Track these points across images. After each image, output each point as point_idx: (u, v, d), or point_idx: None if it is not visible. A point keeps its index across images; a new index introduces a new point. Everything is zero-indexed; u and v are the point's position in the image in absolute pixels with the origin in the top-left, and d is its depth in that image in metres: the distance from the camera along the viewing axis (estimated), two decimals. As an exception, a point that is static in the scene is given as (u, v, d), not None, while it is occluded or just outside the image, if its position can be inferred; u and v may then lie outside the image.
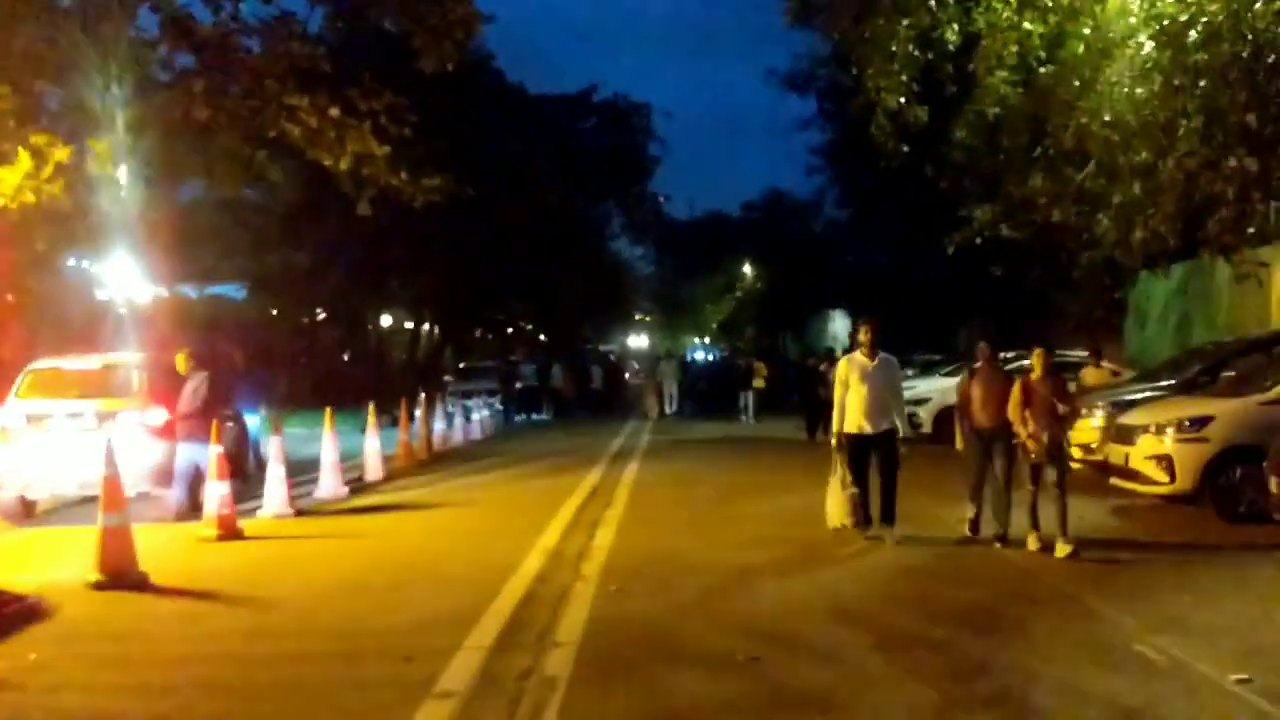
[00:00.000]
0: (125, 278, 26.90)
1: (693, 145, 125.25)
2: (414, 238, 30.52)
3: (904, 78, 16.69)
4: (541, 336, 64.89)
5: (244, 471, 15.56)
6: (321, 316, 33.51)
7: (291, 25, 14.51)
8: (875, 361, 10.15)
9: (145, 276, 27.83)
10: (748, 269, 65.23)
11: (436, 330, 43.22)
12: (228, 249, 31.55)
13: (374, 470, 16.13)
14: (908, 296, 38.45)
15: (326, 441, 14.39)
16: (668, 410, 32.19)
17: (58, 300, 22.34)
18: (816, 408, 19.12)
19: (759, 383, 29.31)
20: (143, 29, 14.83)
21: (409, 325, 42.25)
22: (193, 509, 11.68)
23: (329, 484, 14.26)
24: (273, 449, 12.54)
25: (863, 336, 10.33)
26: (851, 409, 10.05)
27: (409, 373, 37.15)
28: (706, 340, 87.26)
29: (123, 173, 19.68)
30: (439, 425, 21.78)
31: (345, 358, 35.78)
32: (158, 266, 28.97)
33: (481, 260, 34.54)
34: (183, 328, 28.50)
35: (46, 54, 13.79)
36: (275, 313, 34.84)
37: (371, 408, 17.09)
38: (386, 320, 43.47)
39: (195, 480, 12.00)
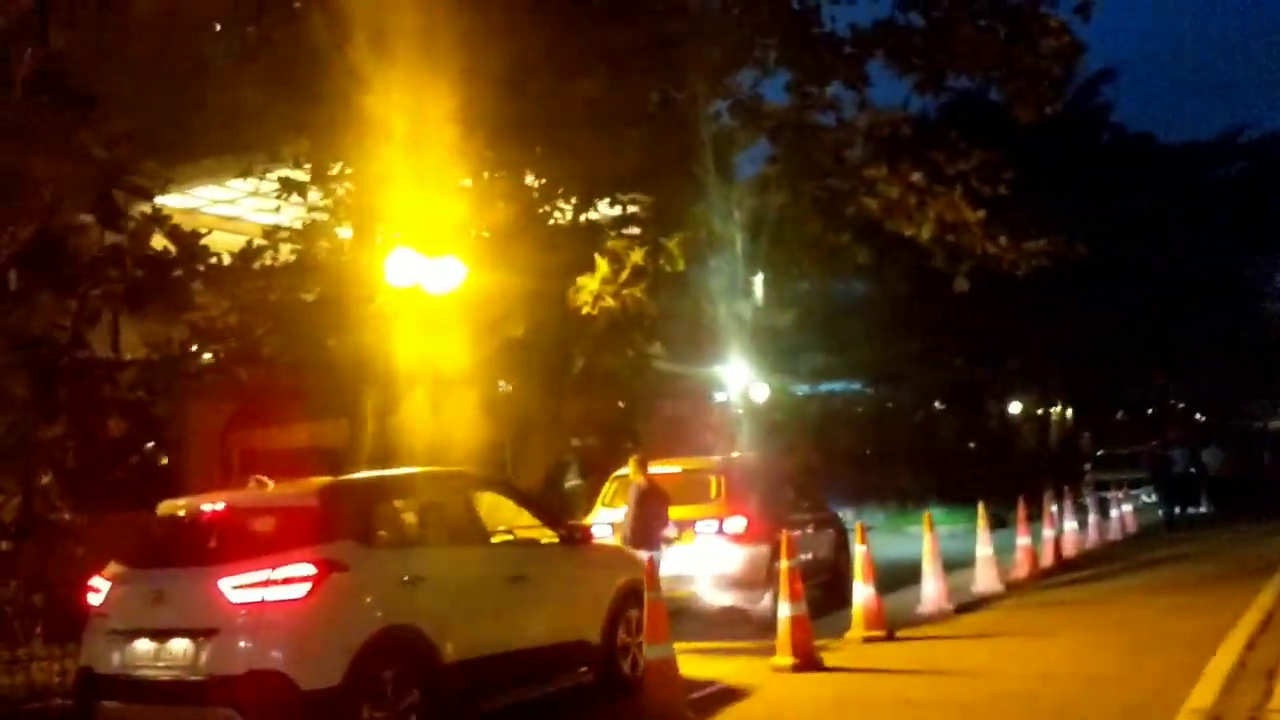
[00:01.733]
0: (740, 378, 27.60)
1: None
2: (1032, 313, 27.95)
3: None
4: (1197, 415, 57.34)
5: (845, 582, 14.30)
6: (940, 407, 31.93)
7: (863, 94, 13.31)
8: None
9: (759, 376, 28.36)
10: None
11: (1069, 413, 39.57)
12: (838, 343, 31.27)
13: (986, 581, 13.98)
14: None
15: (926, 547, 12.61)
16: None
17: (672, 403, 23.12)
18: None
19: None
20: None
21: (1040, 411, 39.16)
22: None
23: (931, 597, 12.44)
24: (857, 561, 11.02)
25: None
26: None
27: (1040, 463, 34.06)
28: None
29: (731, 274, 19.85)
30: (1069, 525, 18.91)
31: (971, 448, 33.66)
32: (771, 365, 29.49)
33: (1113, 332, 30.80)
34: (795, 427, 28.49)
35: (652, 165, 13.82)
36: (890, 405, 33.86)
37: (981, 508, 15.01)
38: (1015, 407, 40.72)
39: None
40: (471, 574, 7.87)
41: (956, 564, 14.51)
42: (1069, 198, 25.58)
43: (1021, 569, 15.60)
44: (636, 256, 12.41)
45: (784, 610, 9.42)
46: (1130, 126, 33.64)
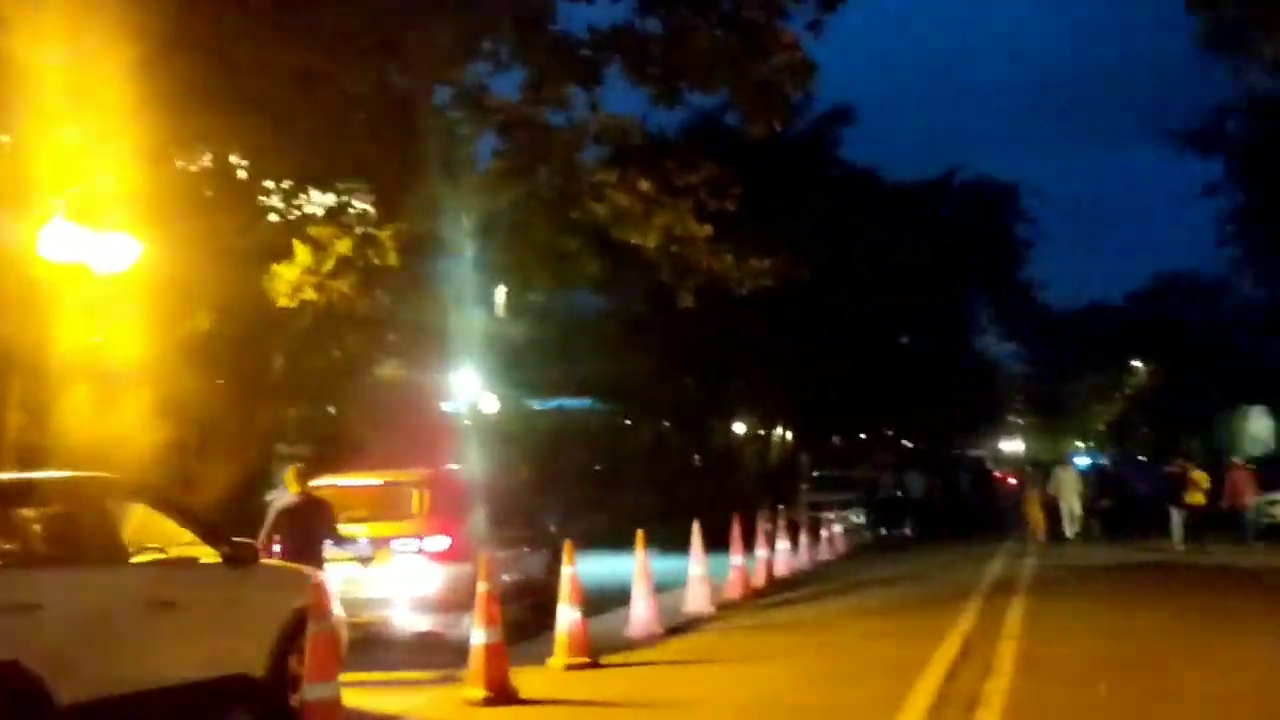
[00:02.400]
0: (468, 389, 26.67)
1: (1069, 232, 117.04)
2: (756, 336, 28.48)
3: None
4: (905, 442, 60.89)
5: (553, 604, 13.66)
6: (668, 425, 32.06)
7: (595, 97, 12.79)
8: None
9: (490, 387, 27.52)
10: (1138, 364, 58.44)
11: (789, 435, 40.82)
12: (574, 357, 30.85)
13: (697, 602, 13.66)
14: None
15: (637, 568, 12.13)
16: (1067, 532, 25.56)
17: (392, 410, 21.97)
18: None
19: (1197, 497, 22.44)
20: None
21: (763, 432, 40.14)
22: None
23: (640, 619, 11.96)
24: (563, 582, 10.35)
25: None
26: None
27: (761, 483, 34.81)
28: (1089, 444, 79.18)
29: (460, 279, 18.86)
30: (782, 545, 19.05)
31: (697, 466, 33.98)
32: (506, 377, 28.72)
33: (834, 359, 31.88)
34: (525, 441, 27.84)
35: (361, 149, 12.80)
36: (625, 422, 33.71)
37: (695, 526, 14.74)
38: (740, 427, 41.61)
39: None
40: (103, 600, 6.65)
41: (676, 583, 14.30)
42: (797, 224, 26.17)
43: (734, 589, 15.44)
44: (343, 246, 11.39)
45: (477, 637, 8.61)
46: (859, 163, 35.02)
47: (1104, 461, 38.08)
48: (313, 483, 11.41)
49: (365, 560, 10.55)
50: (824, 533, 22.86)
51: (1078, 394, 66.67)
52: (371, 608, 10.45)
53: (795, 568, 19.38)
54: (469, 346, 25.88)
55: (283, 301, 11.30)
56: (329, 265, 11.19)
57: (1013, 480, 50.18)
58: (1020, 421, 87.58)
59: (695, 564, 13.94)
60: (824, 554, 22.05)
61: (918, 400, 41.78)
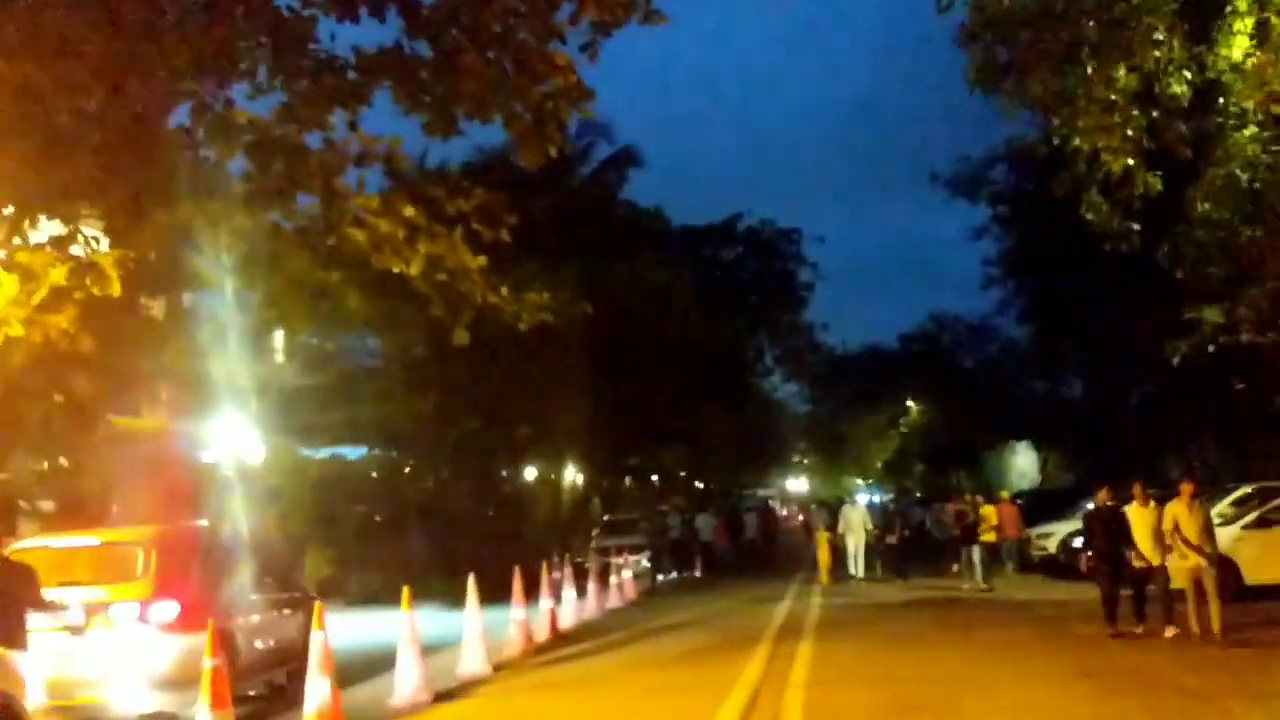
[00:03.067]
0: (232, 438, 24.76)
1: (853, 281, 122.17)
2: (544, 379, 27.73)
3: (1129, 131, 13.01)
4: (697, 484, 61.26)
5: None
6: (449, 472, 30.73)
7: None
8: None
9: (258, 436, 25.68)
10: (911, 404, 60.80)
11: (580, 479, 40.09)
12: (353, 403, 29.28)
13: (472, 662, 12.66)
14: (1105, 421, 33.67)
15: (402, 630, 11.09)
16: (855, 572, 24.56)
17: (138, 462, 20.04)
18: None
19: (989, 534, 21.94)
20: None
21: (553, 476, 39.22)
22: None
23: (405, 687, 10.91)
24: (314, 650, 9.21)
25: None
26: None
27: (551, 530, 33.89)
28: (869, 482, 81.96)
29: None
30: (568, 595, 18.26)
31: (487, 515, 32.76)
32: (277, 424, 26.90)
33: (621, 401, 31.44)
34: (298, 491, 26.10)
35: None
36: (407, 470, 32.15)
37: (471, 581, 13.72)
38: (532, 472, 40.62)
39: None
40: None
41: (456, 640, 13.34)
42: (580, 262, 25.65)
43: (515, 646, 14.53)
44: (57, 275, 9.94)
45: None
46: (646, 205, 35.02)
47: (886, 498, 38.91)
48: (19, 544, 9.91)
49: (77, 630, 9.09)
50: (613, 579, 22.18)
51: (857, 433, 68.81)
52: (86, 688, 9.03)
53: (583, 618, 18.63)
54: (235, 392, 24.12)
55: (-14, 336, 9.77)
56: (40, 295, 9.72)
57: (801, 517, 51.14)
58: (805, 461, 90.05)
59: (470, 620, 12.96)
60: (613, 601, 21.36)
61: (704, 439, 41.84)
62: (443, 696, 11.00)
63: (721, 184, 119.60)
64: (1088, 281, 27.14)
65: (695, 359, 32.74)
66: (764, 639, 14.34)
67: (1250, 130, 14.34)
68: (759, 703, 9.80)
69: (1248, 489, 18.29)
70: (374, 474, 29.82)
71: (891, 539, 25.36)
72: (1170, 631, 12.73)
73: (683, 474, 57.35)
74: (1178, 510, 12.62)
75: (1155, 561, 13.08)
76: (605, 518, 34.83)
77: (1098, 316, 28.60)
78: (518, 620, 14.74)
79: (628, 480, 48.89)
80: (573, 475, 40.96)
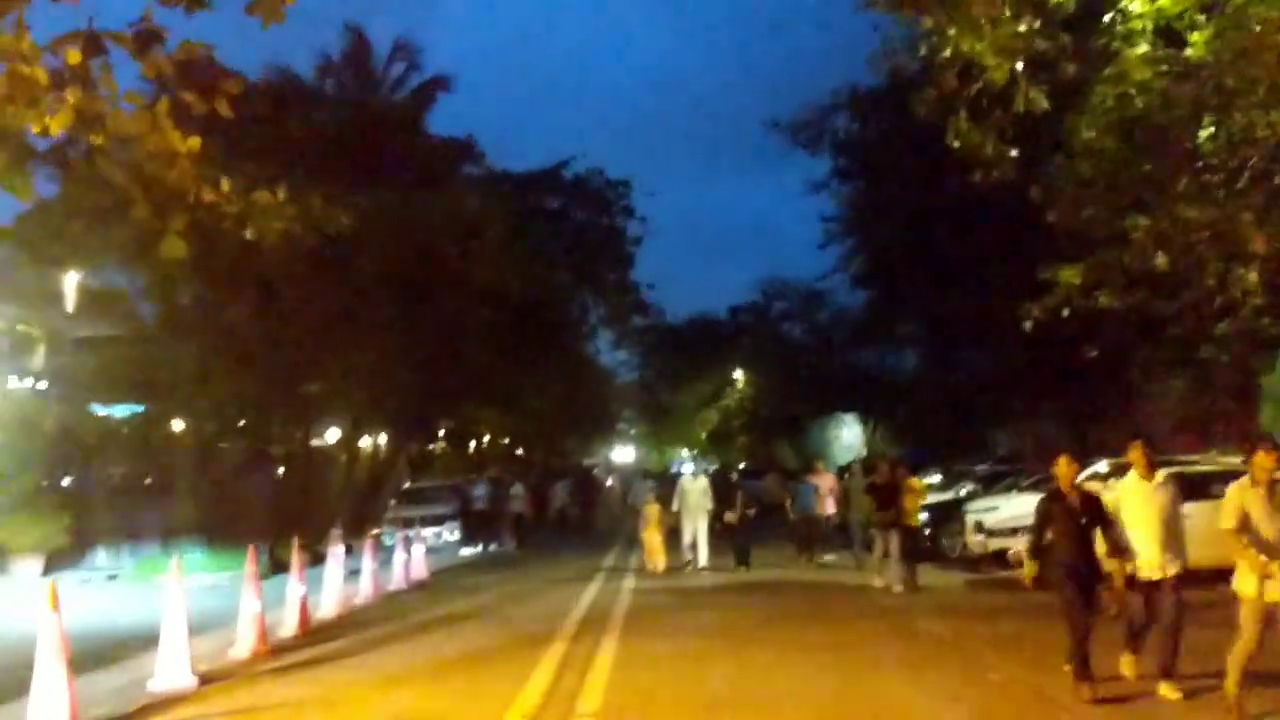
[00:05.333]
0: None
1: (691, 249, 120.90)
2: (335, 326, 24.38)
3: (1018, 29, 10.73)
4: (518, 451, 58.41)
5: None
6: (218, 432, 26.97)
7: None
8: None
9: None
10: (739, 374, 59.41)
11: (383, 443, 36.73)
12: (106, 352, 25.33)
13: (171, 672, 9.53)
14: (941, 392, 32.39)
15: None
16: (698, 559, 19.77)
17: None
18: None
19: (914, 514, 16.32)
20: None
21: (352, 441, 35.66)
22: None
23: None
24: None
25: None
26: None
27: (345, 498, 30.51)
28: (694, 452, 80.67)
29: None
30: (333, 577, 15.17)
31: (269, 479, 29.12)
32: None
33: (427, 355, 28.26)
34: (28, 446, 22.12)
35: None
36: (182, 428, 28.22)
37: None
38: (335, 433, 36.99)
39: None
40: None
41: (217, 621, 11.90)
42: (374, 189, 22.29)
43: (245, 644, 11.45)
44: None
45: None
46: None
47: (715, 468, 36.41)
48: None
49: None
50: (399, 556, 19.12)
51: (684, 403, 67.16)
52: None
53: (353, 604, 15.61)
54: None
55: None
56: None
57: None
58: (632, 431, 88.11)
59: (170, 618, 9.80)
60: (396, 582, 18.36)
61: (521, 402, 39.02)
62: (207, 680, 7.88)
63: (558, 145, 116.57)
64: (933, 235, 25.48)
65: (510, 309, 29.82)
66: (559, 637, 11.63)
67: (1141, 49, 12.38)
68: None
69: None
70: (125, 430, 25.81)
71: (731, 517, 20.55)
72: (1170, 690, 8.02)
73: (503, 440, 54.42)
74: (1248, 498, 7.42)
75: (1168, 572, 8.28)
76: (404, 485, 31.63)
77: (942, 274, 26.87)
78: (251, 612, 11.63)
79: (439, 447, 45.68)
80: (376, 439, 37.62)
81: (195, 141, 9.91)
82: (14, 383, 24.40)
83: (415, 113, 29.84)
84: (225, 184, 10.20)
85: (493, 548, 27.30)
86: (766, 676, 9.48)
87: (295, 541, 13.66)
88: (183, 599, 9.78)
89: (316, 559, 17.78)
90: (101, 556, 23.35)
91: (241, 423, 27.41)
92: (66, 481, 24.31)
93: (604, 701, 8.32)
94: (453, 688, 9.47)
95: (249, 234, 10.49)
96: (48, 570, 21.00)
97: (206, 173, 10.14)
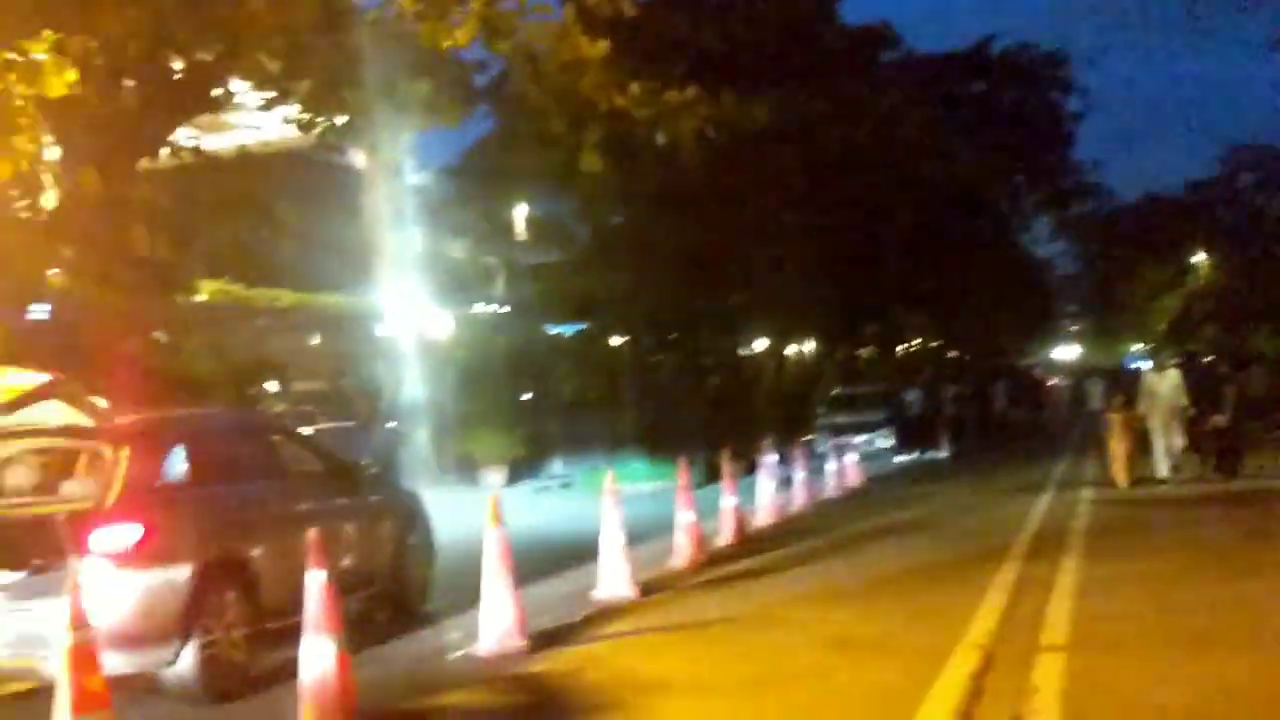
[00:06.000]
0: (406, 308, 22.70)
1: (1130, 130, 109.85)
2: (755, 235, 24.12)
3: None
4: (949, 354, 56.18)
5: (408, 596, 9.75)
6: (655, 343, 27.75)
7: None
8: None
9: (435, 305, 23.53)
10: (1200, 257, 53.21)
11: (810, 351, 36.48)
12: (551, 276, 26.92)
13: (611, 582, 9.60)
14: None
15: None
16: (1160, 470, 16.97)
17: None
18: None
19: None
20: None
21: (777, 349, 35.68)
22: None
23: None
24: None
25: None
26: None
27: (774, 406, 30.54)
28: (1149, 346, 73.80)
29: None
30: (766, 487, 14.92)
31: (701, 390, 29.74)
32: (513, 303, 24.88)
33: (849, 258, 27.39)
34: (484, 366, 23.83)
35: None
36: (611, 343, 29.37)
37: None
38: (763, 343, 37.30)
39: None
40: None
41: (658, 529, 11.80)
42: (781, 88, 21.40)
43: (682, 555, 11.41)
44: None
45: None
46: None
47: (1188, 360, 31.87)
48: None
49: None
50: (832, 463, 18.68)
51: (1135, 293, 61.36)
52: (22, 649, 6.52)
53: (787, 513, 15.35)
54: (400, 260, 22.02)
55: None
56: (70, 76, 6.99)
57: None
58: (1073, 326, 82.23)
59: (607, 528, 9.84)
60: (830, 490, 17.95)
61: (953, 304, 37.13)
62: (541, 641, 7.96)
63: (982, 23, 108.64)
64: None
65: (935, 204, 28.12)
66: (1009, 557, 10.55)
67: None
68: (992, 679, 6.26)
69: None
70: (571, 347, 27.17)
71: (1219, 419, 16.83)
72: None
73: (934, 343, 52.54)
74: None
75: None
76: (834, 392, 31.15)
77: None
78: (686, 523, 11.58)
79: (867, 351, 44.77)
80: (803, 347, 37.48)
81: (603, 45, 9.65)
82: (476, 309, 26.56)
83: (828, 2, 28.57)
84: (634, 87, 9.91)
85: (929, 454, 26.25)
86: (1260, 608, 7.93)
87: (725, 451, 13.47)
88: (616, 512, 9.77)
89: (750, 467, 17.75)
90: (558, 466, 24.91)
91: (673, 336, 28.04)
92: (525, 398, 26.00)
93: (1071, 633, 7.25)
94: (894, 608, 8.77)
95: (661, 137, 10.18)
96: (510, 480, 22.67)
97: (615, 79, 9.88)
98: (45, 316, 15.96)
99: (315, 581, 6.18)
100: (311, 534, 6.32)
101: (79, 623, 4.91)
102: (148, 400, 12.77)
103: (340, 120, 10.62)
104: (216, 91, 10.02)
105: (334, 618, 6.15)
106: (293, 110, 10.79)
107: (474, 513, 7.87)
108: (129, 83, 9.18)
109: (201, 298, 20.88)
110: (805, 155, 22.61)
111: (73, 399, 7.18)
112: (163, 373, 13.56)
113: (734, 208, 23.07)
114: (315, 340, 23.75)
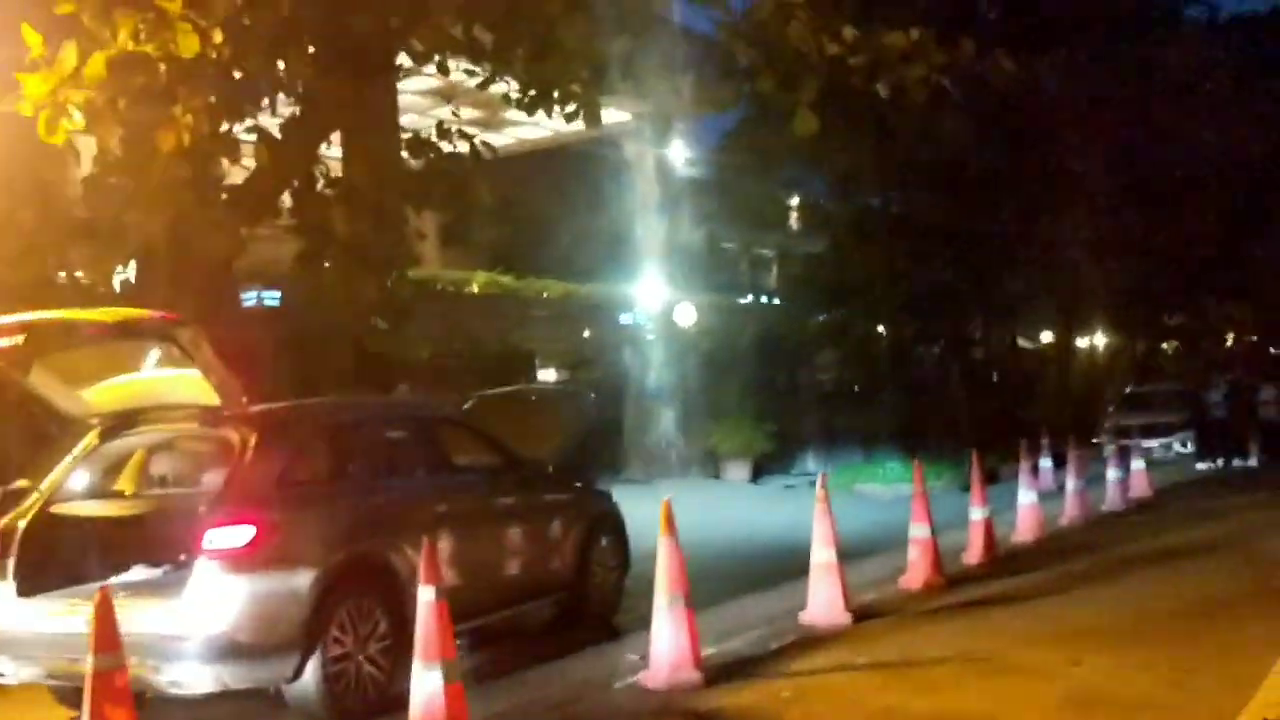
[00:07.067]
0: (658, 296, 22.08)
1: None
2: (1036, 213, 21.85)
3: None
4: (1271, 349, 50.11)
5: (598, 605, 8.88)
6: (914, 332, 25.76)
7: None
8: None
9: (687, 294, 22.77)
10: None
11: (1102, 345, 33.24)
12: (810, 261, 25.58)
13: (822, 607, 8.32)
14: None
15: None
16: None
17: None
18: None
19: None
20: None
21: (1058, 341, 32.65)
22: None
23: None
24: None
25: None
26: None
27: (1054, 404, 27.85)
28: None
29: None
30: (1027, 498, 13.02)
31: (967, 385, 27.52)
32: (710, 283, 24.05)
33: (1145, 237, 24.48)
34: (725, 353, 22.80)
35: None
36: (863, 331, 27.55)
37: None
38: (1047, 336, 34.39)
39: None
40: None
41: (901, 538, 10.22)
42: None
43: (917, 574, 9.92)
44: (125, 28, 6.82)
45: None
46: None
47: None
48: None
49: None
50: (1111, 472, 16.36)
51: None
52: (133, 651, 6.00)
53: (1055, 526, 13.42)
54: (654, 249, 21.43)
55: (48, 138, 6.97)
56: (98, 64, 6.63)
57: None
58: None
59: (817, 543, 8.55)
60: (1112, 502, 15.73)
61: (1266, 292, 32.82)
62: (720, 673, 6.79)
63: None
64: None
65: (1245, 178, 24.71)
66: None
67: None
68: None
69: None
70: (828, 335, 25.59)
71: None
72: None
73: (1250, 337, 46.99)
74: None
75: None
76: (1126, 390, 28.04)
77: None
78: (919, 537, 10.08)
79: (1170, 346, 40.51)
80: (1093, 339, 34.29)
81: (806, -14, 8.26)
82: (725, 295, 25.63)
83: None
84: (847, 31, 8.52)
85: (1235, 463, 22.99)
86: None
87: (974, 455, 11.78)
88: (826, 521, 8.46)
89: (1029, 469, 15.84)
90: (810, 462, 23.58)
91: (939, 324, 26.05)
92: (775, 389, 24.84)
93: None
94: (1165, 656, 7.03)
95: (881, 90, 8.75)
96: (756, 475, 21.56)
97: (828, 23, 8.52)
98: (275, 303, 16.29)
99: (425, 599, 5.31)
100: (426, 543, 5.45)
101: (104, 644, 4.21)
102: (363, 384, 12.52)
103: (570, 99, 9.94)
104: (402, 60, 9.47)
105: (444, 642, 5.26)
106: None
107: (712, 509, 6.99)
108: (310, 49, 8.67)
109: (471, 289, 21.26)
110: (1089, 121, 20.23)
111: (195, 344, 6.42)
112: (383, 358, 13.32)
113: (1003, 180, 20.93)
114: (585, 332, 23.67)
